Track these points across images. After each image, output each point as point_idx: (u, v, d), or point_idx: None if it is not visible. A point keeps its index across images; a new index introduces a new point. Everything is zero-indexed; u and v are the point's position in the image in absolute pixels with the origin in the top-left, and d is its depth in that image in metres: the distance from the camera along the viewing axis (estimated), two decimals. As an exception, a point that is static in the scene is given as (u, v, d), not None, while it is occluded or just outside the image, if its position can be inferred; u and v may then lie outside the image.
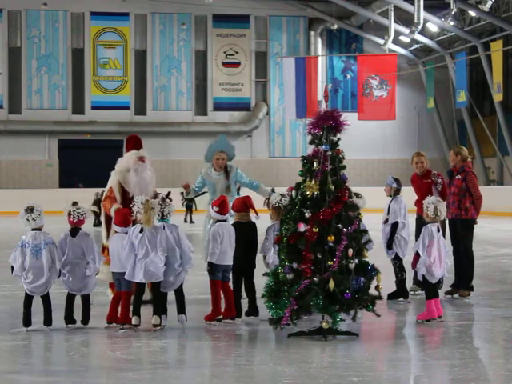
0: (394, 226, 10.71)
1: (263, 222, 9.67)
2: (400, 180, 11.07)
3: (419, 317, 9.14)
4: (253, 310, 9.26)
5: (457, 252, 11.16)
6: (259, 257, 9.39)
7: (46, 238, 8.63)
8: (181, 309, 8.82)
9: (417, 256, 9.19)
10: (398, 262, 10.78)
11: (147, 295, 9.28)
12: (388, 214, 10.83)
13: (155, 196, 9.67)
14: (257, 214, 9.65)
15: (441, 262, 9.26)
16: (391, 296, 10.65)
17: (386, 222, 10.91)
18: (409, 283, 11.18)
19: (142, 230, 8.64)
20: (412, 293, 11.17)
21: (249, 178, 11.10)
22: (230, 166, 10.98)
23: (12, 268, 8.65)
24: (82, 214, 8.74)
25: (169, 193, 9.12)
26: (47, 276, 8.59)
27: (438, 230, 9.33)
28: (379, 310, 8.50)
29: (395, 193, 10.93)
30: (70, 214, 8.71)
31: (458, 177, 11.09)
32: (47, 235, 8.66)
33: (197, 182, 11.07)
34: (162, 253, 8.63)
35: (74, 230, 8.77)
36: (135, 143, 10.32)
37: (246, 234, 9.24)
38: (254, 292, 9.27)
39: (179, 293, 8.87)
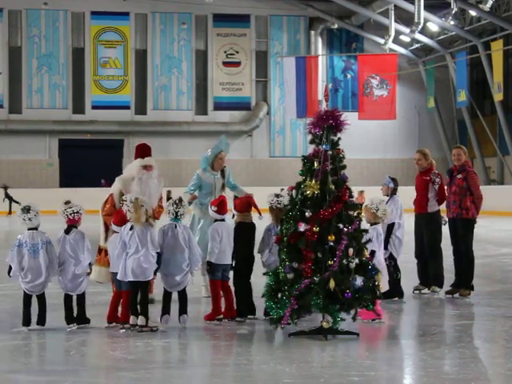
0: (391, 226, 10.70)
1: (265, 222, 9.66)
2: (397, 180, 11.09)
3: (365, 317, 8.93)
4: (249, 309, 9.21)
5: (457, 252, 11.15)
6: (258, 256, 9.37)
7: (43, 237, 8.64)
8: (183, 309, 8.82)
9: (371, 257, 9.18)
10: (392, 262, 10.73)
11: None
12: None
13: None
14: (260, 214, 9.66)
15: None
16: (385, 295, 10.55)
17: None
18: (409, 282, 11.18)
19: (132, 228, 8.66)
20: (417, 292, 11.18)
21: (232, 178, 11.14)
22: (224, 165, 11.03)
23: (9, 268, 8.65)
24: (73, 213, 8.73)
25: (169, 192, 9.14)
26: (45, 275, 8.61)
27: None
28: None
29: (392, 192, 10.95)
30: (63, 214, 8.71)
31: (459, 176, 11.08)
32: (44, 234, 8.67)
33: (192, 183, 10.93)
34: (153, 249, 8.61)
35: (69, 228, 8.78)
36: (142, 151, 10.28)
37: (250, 234, 9.23)
38: (250, 291, 9.25)
39: (182, 293, 8.86)
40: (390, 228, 10.69)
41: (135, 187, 9.91)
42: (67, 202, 8.86)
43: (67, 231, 8.74)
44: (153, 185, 10.03)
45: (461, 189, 11.02)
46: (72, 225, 8.77)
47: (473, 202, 11.02)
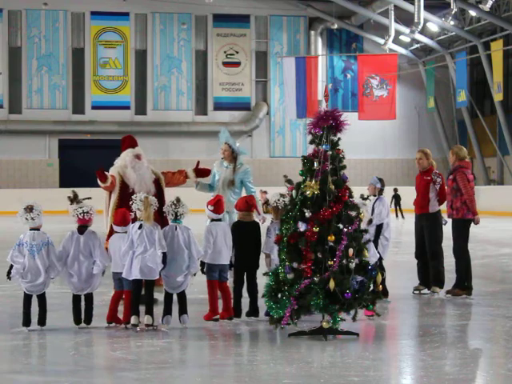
0: (379, 227, 10.70)
1: (266, 222, 9.66)
2: (384, 180, 11.12)
3: (365, 313, 8.93)
4: (253, 311, 9.21)
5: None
6: (262, 256, 9.36)
7: (43, 238, 8.63)
8: (183, 309, 8.82)
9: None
10: (378, 262, 10.68)
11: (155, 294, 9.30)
12: (372, 214, 10.80)
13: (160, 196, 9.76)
14: (259, 214, 9.66)
15: None
16: None
17: (370, 222, 10.87)
18: (409, 282, 11.18)
19: (140, 227, 8.66)
20: (417, 292, 11.18)
21: (251, 184, 11.15)
22: (240, 163, 11.09)
23: (10, 267, 8.64)
24: (86, 213, 8.74)
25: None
26: (44, 276, 8.61)
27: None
28: (379, 310, 8.49)
29: (379, 193, 10.94)
30: (74, 214, 8.74)
31: (451, 177, 11.13)
32: (45, 235, 8.66)
33: (211, 175, 11.24)
34: (160, 249, 8.61)
35: (82, 228, 8.79)
36: (131, 142, 10.56)
37: (247, 233, 9.22)
38: (256, 292, 9.23)
39: (181, 294, 8.86)
40: (379, 229, 10.69)
41: (132, 174, 10.20)
42: (78, 202, 8.87)
43: (80, 231, 8.76)
44: (144, 173, 10.29)
45: (452, 189, 11.04)
46: (83, 225, 8.79)
47: (464, 203, 11.00)
